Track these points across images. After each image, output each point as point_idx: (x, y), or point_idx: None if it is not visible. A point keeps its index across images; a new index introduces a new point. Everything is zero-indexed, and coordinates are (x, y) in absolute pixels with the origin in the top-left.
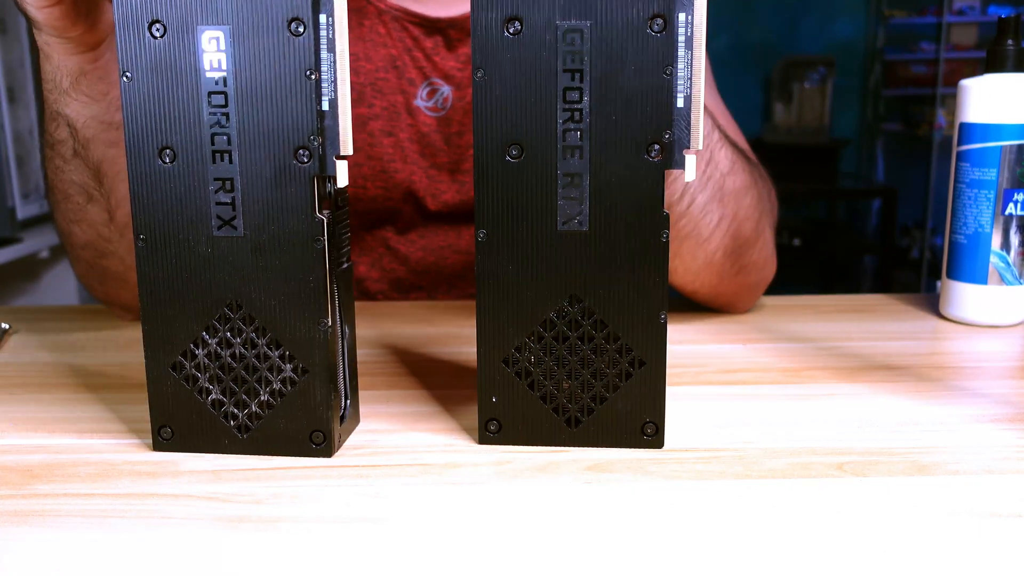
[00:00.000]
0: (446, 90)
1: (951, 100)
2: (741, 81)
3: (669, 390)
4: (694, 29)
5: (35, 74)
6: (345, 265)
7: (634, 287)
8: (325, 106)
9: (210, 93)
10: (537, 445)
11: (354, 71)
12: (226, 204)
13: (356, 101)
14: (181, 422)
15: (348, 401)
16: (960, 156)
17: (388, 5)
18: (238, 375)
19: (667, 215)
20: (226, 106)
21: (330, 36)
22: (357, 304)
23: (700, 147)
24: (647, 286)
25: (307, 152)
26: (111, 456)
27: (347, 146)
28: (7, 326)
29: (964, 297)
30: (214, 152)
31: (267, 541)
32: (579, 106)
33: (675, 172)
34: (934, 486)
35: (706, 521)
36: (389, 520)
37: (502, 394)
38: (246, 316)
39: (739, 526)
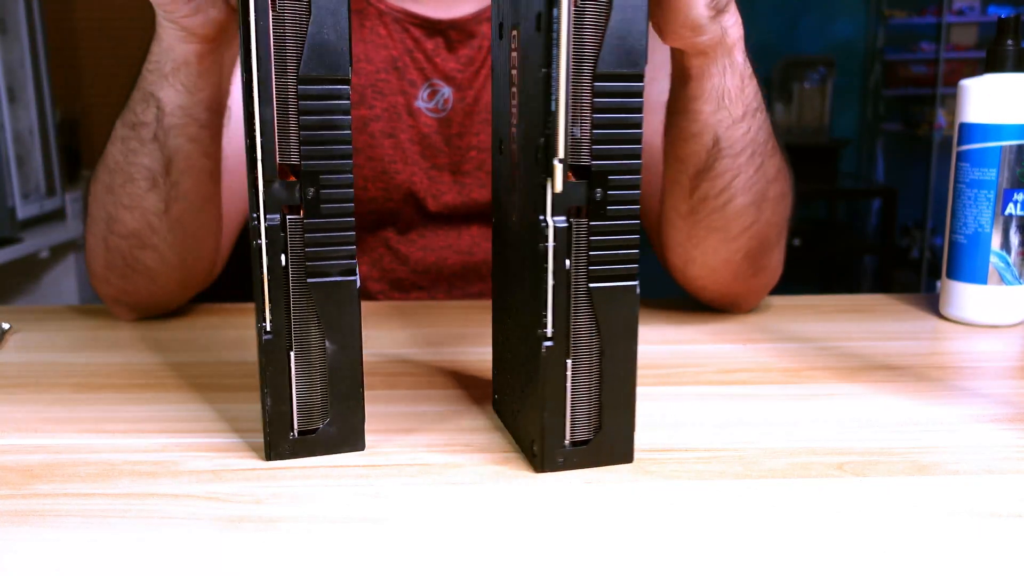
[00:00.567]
0: (447, 91)
1: (951, 100)
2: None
3: (670, 390)
4: (560, 26)
5: (35, 74)
6: (328, 278)
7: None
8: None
9: None
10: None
11: (355, 72)
12: None
13: (357, 102)
14: None
15: (297, 415)
16: (960, 156)
17: (389, 6)
18: None
19: (545, 225)
20: None
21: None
22: None
23: (562, 156)
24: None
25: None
26: (111, 456)
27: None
28: (7, 326)
29: (964, 297)
30: None
31: (267, 541)
32: (514, 107)
33: (719, 168)
34: (934, 486)
35: (706, 521)
36: (389, 520)
37: None
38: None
39: (739, 526)
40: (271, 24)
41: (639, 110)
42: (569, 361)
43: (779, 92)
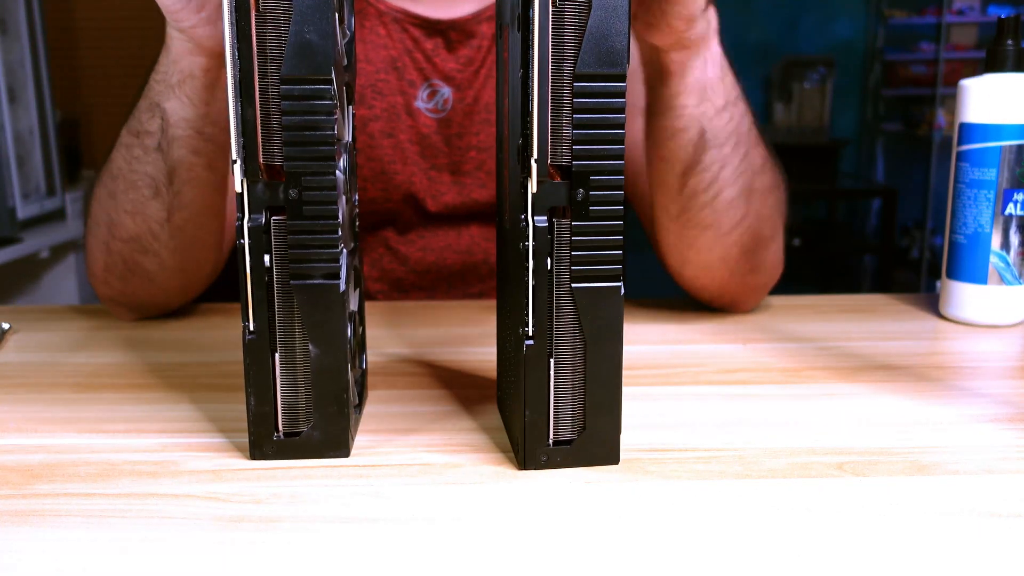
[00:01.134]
0: (446, 91)
1: (951, 100)
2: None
3: (670, 390)
4: (534, 26)
5: (35, 74)
6: (311, 281)
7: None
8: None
9: None
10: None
11: None
12: None
13: (356, 102)
14: None
15: (281, 417)
16: (960, 156)
17: (388, 7)
18: None
19: (525, 224)
20: None
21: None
22: None
23: (536, 155)
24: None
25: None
26: (111, 456)
27: (234, 151)
28: (7, 326)
29: (964, 297)
30: None
31: (267, 541)
32: (506, 107)
33: (706, 161)
34: (934, 486)
35: (706, 521)
36: (389, 520)
37: None
38: None
39: (739, 526)
40: (253, 24)
41: (621, 110)
42: (552, 360)
43: (779, 92)
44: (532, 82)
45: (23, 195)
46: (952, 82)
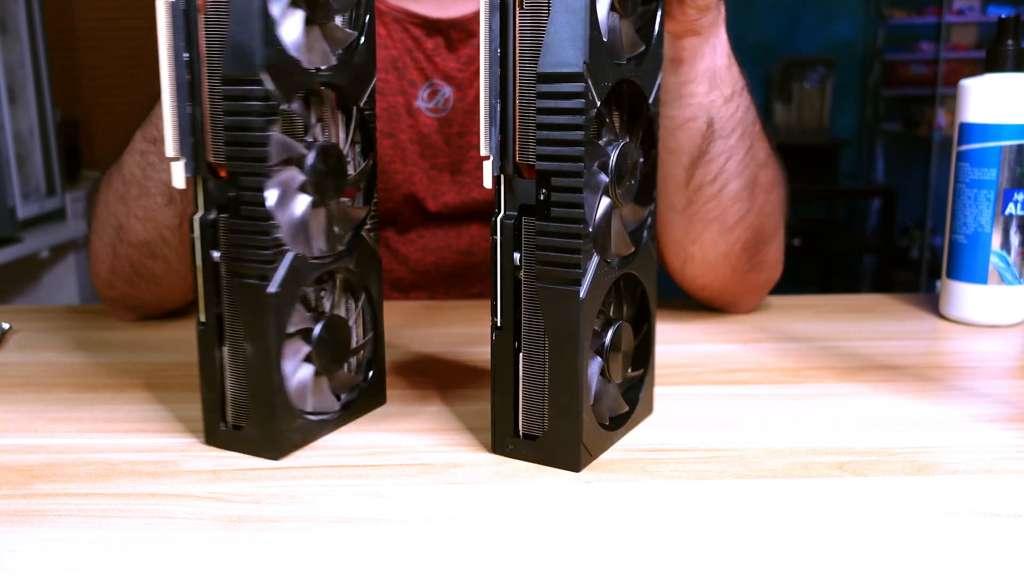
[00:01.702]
0: (447, 91)
1: (951, 100)
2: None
3: (670, 390)
4: (486, 28)
5: (35, 74)
6: (245, 280)
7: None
8: None
9: None
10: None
11: None
12: None
13: None
14: None
15: (230, 414)
16: (960, 156)
17: (389, 6)
18: None
19: (495, 220)
20: None
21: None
22: None
23: (487, 153)
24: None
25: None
26: (111, 456)
27: (170, 149)
28: (7, 326)
29: (964, 297)
30: None
31: (267, 541)
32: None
33: (713, 151)
34: (934, 486)
35: (706, 521)
36: (389, 520)
37: None
38: None
39: (739, 526)
40: (201, 25)
41: (581, 111)
42: (521, 354)
43: (779, 92)
44: (486, 82)
45: (23, 195)
46: (952, 82)
